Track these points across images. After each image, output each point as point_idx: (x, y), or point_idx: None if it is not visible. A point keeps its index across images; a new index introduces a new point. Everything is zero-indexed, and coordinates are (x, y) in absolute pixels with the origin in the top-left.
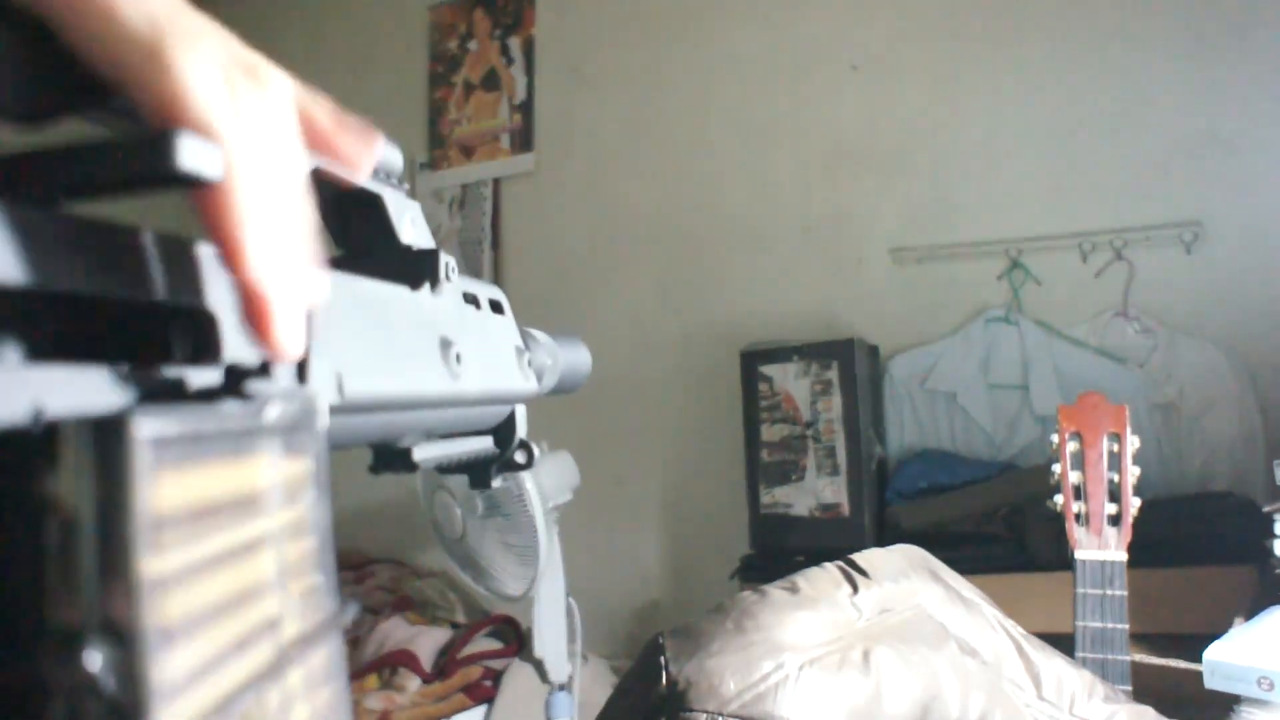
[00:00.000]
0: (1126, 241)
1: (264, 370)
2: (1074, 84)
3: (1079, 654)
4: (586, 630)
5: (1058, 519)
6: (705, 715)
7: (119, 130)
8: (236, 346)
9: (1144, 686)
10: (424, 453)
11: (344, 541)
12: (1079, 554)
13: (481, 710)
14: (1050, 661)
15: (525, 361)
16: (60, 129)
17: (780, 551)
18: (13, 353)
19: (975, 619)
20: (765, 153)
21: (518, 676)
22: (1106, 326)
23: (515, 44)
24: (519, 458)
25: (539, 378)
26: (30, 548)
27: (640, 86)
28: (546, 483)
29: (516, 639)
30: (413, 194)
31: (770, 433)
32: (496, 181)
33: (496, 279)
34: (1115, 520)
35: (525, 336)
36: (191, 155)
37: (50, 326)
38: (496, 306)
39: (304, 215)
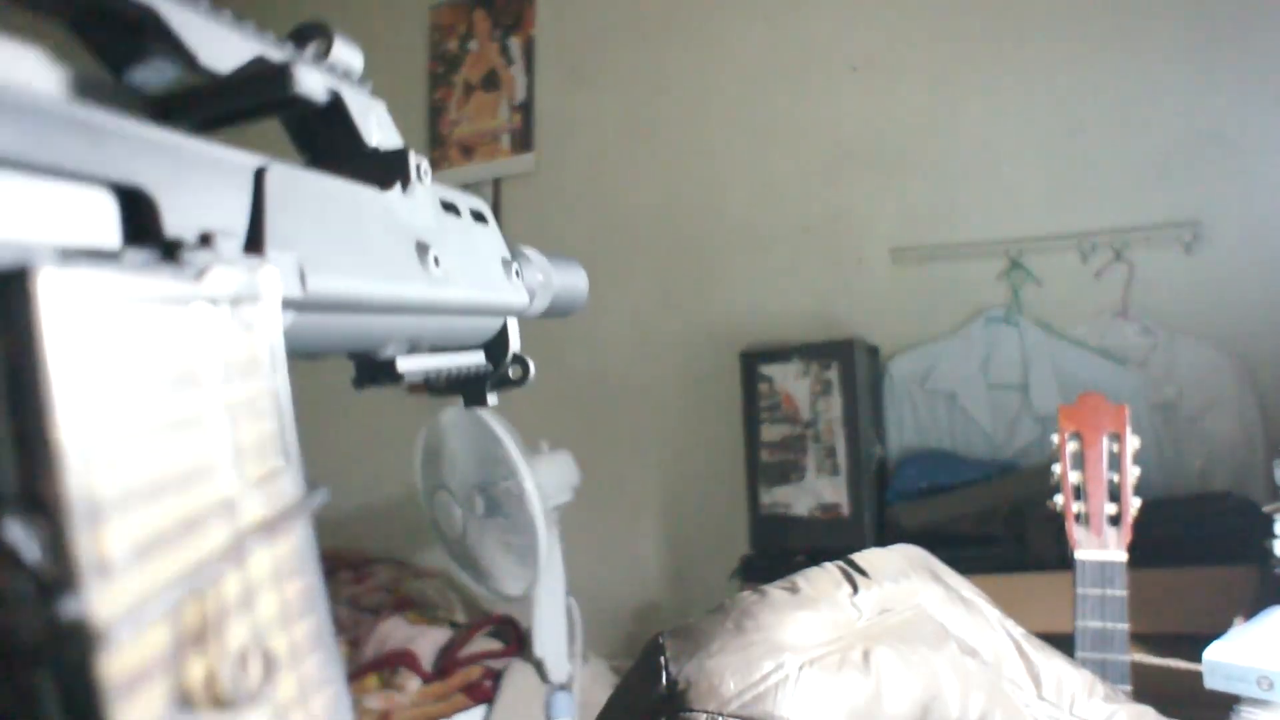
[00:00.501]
0: (1126, 242)
1: (205, 242)
2: (1074, 84)
3: (1079, 654)
4: (586, 630)
5: (1058, 519)
6: (705, 715)
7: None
8: (178, 228)
9: (1144, 686)
10: (408, 364)
11: (344, 541)
12: (1079, 554)
13: (481, 710)
14: (1050, 661)
15: (514, 273)
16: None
17: (780, 551)
18: None
19: (975, 619)
20: (765, 153)
21: (518, 676)
22: (1106, 326)
23: (515, 44)
24: (513, 373)
25: (531, 295)
26: None
27: (640, 86)
28: (546, 483)
29: (516, 639)
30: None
31: (770, 433)
32: (496, 182)
33: None
34: (1115, 520)
35: (514, 249)
36: (305, 81)
37: None
38: (479, 216)
39: None
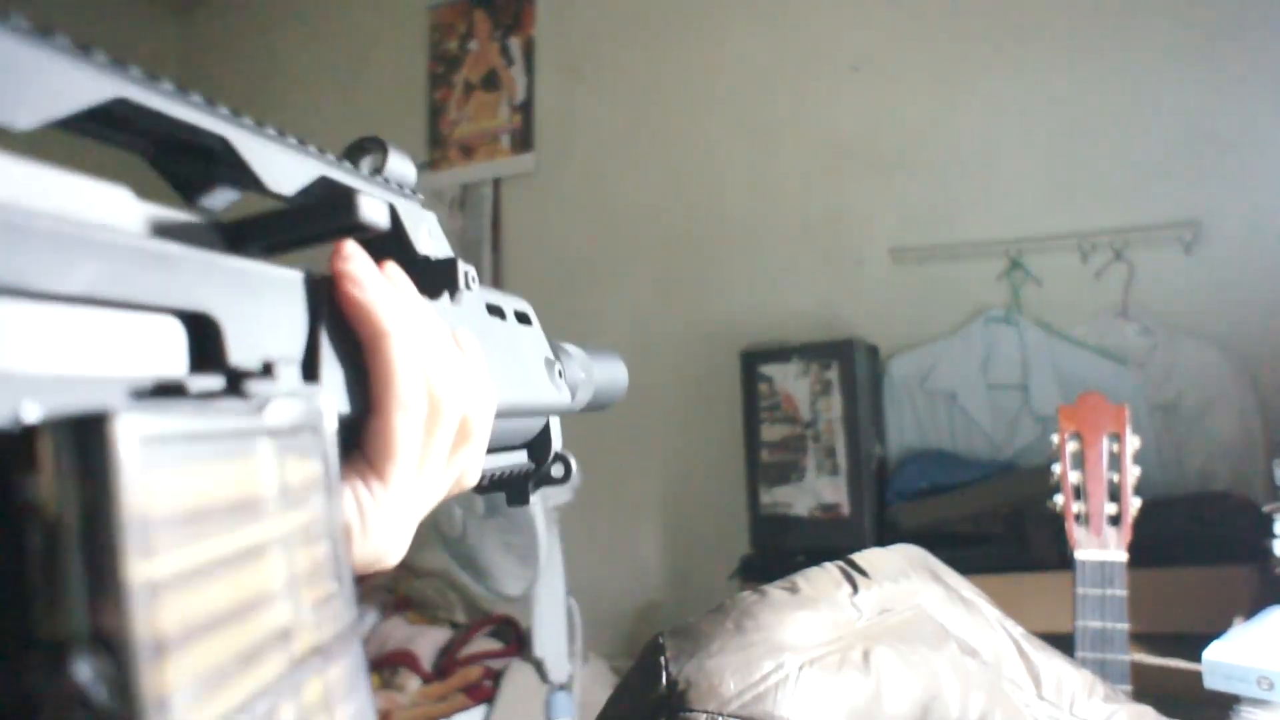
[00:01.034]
0: (1126, 241)
1: (267, 372)
2: (1074, 84)
3: (1079, 654)
4: (586, 630)
5: (1058, 519)
6: (705, 715)
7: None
8: (240, 353)
9: (1144, 686)
10: None
11: None
12: (1079, 554)
13: (481, 710)
14: (1050, 661)
15: (556, 373)
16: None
17: (780, 551)
18: None
19: (975, 619)
20: (765, 153)
21: (518, 676)
22: (1106, 326)
23: (515, 44)
24: (556, 471)
25: (572, 392)
26: (14, 555)
27: (640, 86)
28: None
29: (516, 639)
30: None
31: (770, 433)
32: (496, 182)
33: (496, 279)
34: (1115, 520)
35: (556, 349)
36: (368, 210)
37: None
38: (523, 318)
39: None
